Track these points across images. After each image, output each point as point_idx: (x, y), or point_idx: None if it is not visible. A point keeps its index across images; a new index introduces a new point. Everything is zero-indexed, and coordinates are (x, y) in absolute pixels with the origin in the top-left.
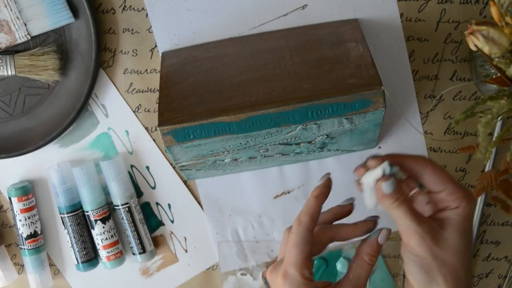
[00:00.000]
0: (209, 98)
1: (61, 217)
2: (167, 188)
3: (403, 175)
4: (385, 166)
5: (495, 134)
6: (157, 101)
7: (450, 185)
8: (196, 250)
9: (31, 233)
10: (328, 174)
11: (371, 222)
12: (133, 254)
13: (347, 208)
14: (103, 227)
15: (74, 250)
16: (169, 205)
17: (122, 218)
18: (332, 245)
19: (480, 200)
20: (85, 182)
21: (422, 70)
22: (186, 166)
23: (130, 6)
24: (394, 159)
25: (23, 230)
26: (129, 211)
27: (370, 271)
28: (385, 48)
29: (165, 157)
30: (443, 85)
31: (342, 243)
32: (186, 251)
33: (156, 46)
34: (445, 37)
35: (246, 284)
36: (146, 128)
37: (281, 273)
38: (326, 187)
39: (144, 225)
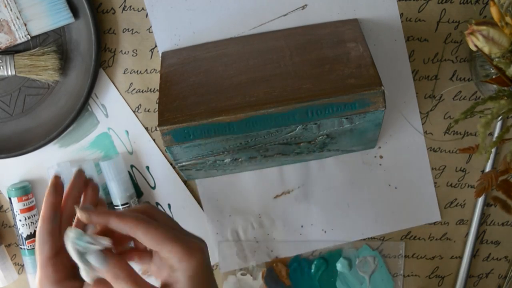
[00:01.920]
0: (209, 98)
1: None
2: (167, 188)
3: (104, 242)
4: (73, 239)
5: (495, 134)
6: (157, 101)
7: (166, 244)
8: None
9: (31, 233)
10: (79, 169)
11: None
12: None
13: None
14: None
15: None
16: (169, 205)
17: None
18: (332, 245)
19: (480, 200)
20: None
21: (422, 70)
22: (186, 166)
23: (130, 6)
24: (101, 218)
25: (23, 230)
26: None
27: None
28: (385, 48)
29: (165, 157)
30: (443, 85)
31: (343, 243)
32: None
33: (156, 46)
34: (445, 37)
35: (246, 284)
36: (146, 128)
37: (37, 278)
38: (52, 186)
39: None
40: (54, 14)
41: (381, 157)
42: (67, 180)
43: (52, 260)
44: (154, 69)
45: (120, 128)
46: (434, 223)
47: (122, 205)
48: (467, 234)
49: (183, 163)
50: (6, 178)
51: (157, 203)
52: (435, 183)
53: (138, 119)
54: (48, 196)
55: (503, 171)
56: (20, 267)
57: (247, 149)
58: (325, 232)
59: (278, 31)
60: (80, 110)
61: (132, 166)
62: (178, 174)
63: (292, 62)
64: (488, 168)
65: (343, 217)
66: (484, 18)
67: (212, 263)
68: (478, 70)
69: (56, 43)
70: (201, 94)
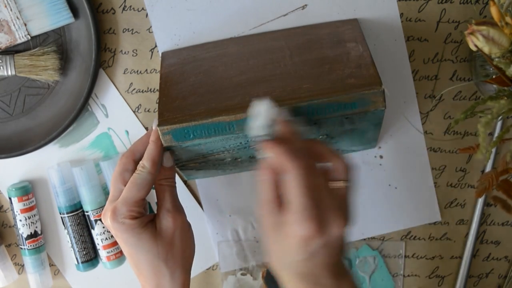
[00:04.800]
0: (209, 98)
1: (61, 217)
2: None
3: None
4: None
5: (495, 134)
6: (157, 101)
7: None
8: (196, 250)
9: (31, 233)
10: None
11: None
12: None
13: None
14: (103, 227)
15: (74, 250)
16: None
17: None
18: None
19: (480, 200)
20: (85, 182)
21: (422, 70)
22: (186, 165)
23: (130, 6)
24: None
25: (23, 230)
26: None
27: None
28: (385, 48)
29: None
30: (443, 85)
31: None
32: None
33: (156, 46)
34: (445, 37)
35: (246, 284)
36: (146, 128)
37: (111, 209)
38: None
39: None
40: (54, 14)
41: (381, 157)
42: (67, 180)
43: (143, 202)
44: (154, 69)
45: (120, 128)
46: (434, 223)
47: None
48: (467, 234)
49: (183, 163)
50: (6, 178)
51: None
52: (435, 183)
53: (138, 119)
54: (158, 139)
55: (503, 171)
56: (20, 267)
57: (247, 148)
58: None
59: (278, 31)
60: (80, 110)
61: None
62: (178, 174)
63: (292, 62)
64: (488, 168)
65: None
66: (484, 18)
67: (212, 263)
68: (478, 70)
69: (56, 43)
70: (201, 94)
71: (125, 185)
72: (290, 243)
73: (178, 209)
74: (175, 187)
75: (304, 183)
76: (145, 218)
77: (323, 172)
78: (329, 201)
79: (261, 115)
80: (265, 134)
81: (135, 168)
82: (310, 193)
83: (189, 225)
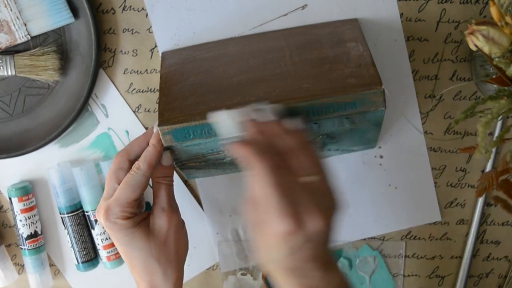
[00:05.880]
0: (209, 98)
1: (61, 217)
2: None
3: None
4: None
5: (495, 134)
6: (157, 101)
7: None
8: (196, 250)
9: (31, 233)
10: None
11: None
12: None
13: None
14: (103, 227)
15: (74, 250)
16: None
17: None
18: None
19: (480, 200)
20: (85, 182)
21: (422, 70)
22: (186, 165)
23: (130, 6)
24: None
25: (23, 230)
26: None
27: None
28: (385, 48)
29: None
30: (443, 85)
31: (343, 243)
32: None
33: (156, 46)
34: (445, 37)
35: (246, 284)
36: (146, 128)
37: (104, 208)
38: (160, 140)
39: None
40: (54, 14)
41: (381, 157)
42: (67, 180)
43: (135, 202)
44: (154, 69)
45: (120, 128)
46: (434, 223)
47: None
48: (467, 234)
49: (183, 162)
50: (6, 178)
51: None
52: (435, 183)
53: (138, 119)
54: (159, 144)
55: (503, 171)
56: (20, 267)
57: None
58: None
59: (278, 31)
60: (80, 110)
61: None
62: (178, 173)
63: (292, 62)
64: (488, 168)
65: (343, 217)
66: (484, 18)
67: (212, 263)
68: (478, 70)
69: (56, 43)
70: (201, 94)
71: (119, 184)
72: (271, 241)
73: (173, 208)
74: (172, 185)
75: (273, 181)
76: (138, 217)
77: (293, 168)
78: (303, 196)
79: (223, 122)
80: (233, 137)
81: (129, 167)
82: (280, 190)
83: (183, 223)
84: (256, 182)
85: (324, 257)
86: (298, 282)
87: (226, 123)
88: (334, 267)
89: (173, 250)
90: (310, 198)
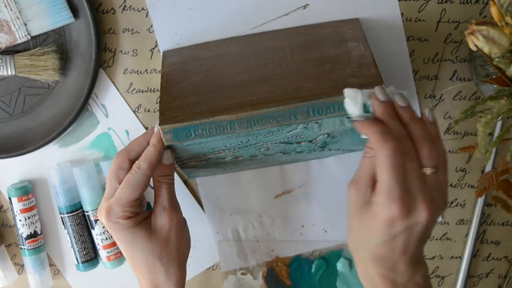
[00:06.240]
0: (210, 97)
1: (61, 217)
2: None
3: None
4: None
5: (495, 134)
6: (157, 101)
7: None
8: (196, 250)
9: (31, 233)
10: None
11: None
12: None
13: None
14: (103, 227)
15: (74, 250)
16: None
17: None
18: (332, 245)
19: (480, 200)
20: (85, 182)
21: (422, 70)
22: (187, 164)
23: (130, 6)
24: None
25: (23, 230)
26: None
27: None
28: (386, 48)
29: None
30: (443, 85)
31: (343, 243)
32: None
33: (156, 46)
34: (445, 37)
35: (246, 284)
36: (146, 128)
37: (105, 208)
38: (160, 140)
39: None
40: (54, 14)
41: None
42: (67, 180)
43: (136, 202)
44: (154, 69)
45: (120, 128)
46: None
47: None
48: (467, 234)
49: (184, 161)
50: (6, 178)
51: None
52: None
53: (138, 119)
54: (159, 143)
55: (503, 171)
56: (20, 267)
57: (248, 147)
58: (325, 231)
59: (279, 30)
60: (80, 110)
61: None
62: (178, 173)
63: (293, 61)
64: (488, 168)
65: (343, 216)
66: (484, 18)
67: (212, 263)
68: (478, 70)
69: (56, 43)
70: (202, 93)
71: (119, 183)
72: (373, 224)
73: (174, 207)
74: (173, 184)
75: (392, 165)
76: (140, 216)
77: (416, 156)
78: (418, 186)
79: (354, 100)
80: (362, 115)
81: (130, 167)
82: (397, 175)
83: (184, 221)
84: (378, 162)
85: (416, 253)
86: (384, 274)
87: (355, 102)
88: (424, 266)
89: (175, 249)
90: (425, 189)
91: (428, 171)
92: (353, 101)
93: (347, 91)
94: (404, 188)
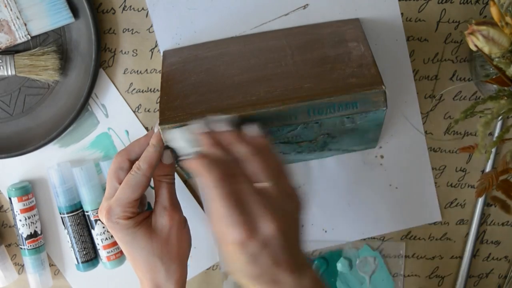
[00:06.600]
0: (210, 97)
1: (61, 217)
2: None
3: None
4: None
5: (495, 134)
6: (158, 101)
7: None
8: (196, 250)
9: (31, 233)
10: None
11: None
12: None
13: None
14: (103, 227)
15: (74, 250)
16: None
17: None
18: (332, 245)
19: (480, 200)
20: (85, 182)
21: (422, 70)
22: None
23: (130, 6)
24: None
25: (23, 230)
26: None
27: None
28: (386, 48)
29: None
30: (443, 85)
31: (343, 243)
32: None
33: (156, 46)
34: (445, 37)
35: None
36: (146, 128)
37: (106, 209)
38: (160, 140)
39: None
40: (54, 14)
41: (381, 157)
42: (67, 180)
43: (136, 202)
44: (154, 69)
45: (120, 128)
46: (434, 223)
47: None
48: (467, 234)
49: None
50: (6, 178)
51: None
52: (435, 183)
53: (138, 119)
54: (159, 144)
55: (503, 171)
56: (20, 267)
57: None
58: (325, 231)
59: (279, 30)
60: (80, 110)
61: None
62: (178, 173)
63: (293, 61)
64: (488, 168)
65: (343, 217)
66: (484, 18)
67: (212, 263)
68: (478, 70)
69: (56, 43)
70: (202, 93)
71: (119, 183)
72: (229, 250)
73: (175, 206)
74: (173, 184)
75: (222, 192)
76: (140, 216)
77: (244, 176)
78: (255, 202)
79: (176, 140)
80: (189, 153)
81: (129, 167)
82: (229, 200)
83: (185, 221)
84: (208, 195)
85: (291, 260)
86: None
87: (180, 141)
88: (308, 269)
89: (175, 248)
90: (262, 203)
91: (259, 185)
92: (179, 142)
93: (169, 134)
94: (240, 211)
